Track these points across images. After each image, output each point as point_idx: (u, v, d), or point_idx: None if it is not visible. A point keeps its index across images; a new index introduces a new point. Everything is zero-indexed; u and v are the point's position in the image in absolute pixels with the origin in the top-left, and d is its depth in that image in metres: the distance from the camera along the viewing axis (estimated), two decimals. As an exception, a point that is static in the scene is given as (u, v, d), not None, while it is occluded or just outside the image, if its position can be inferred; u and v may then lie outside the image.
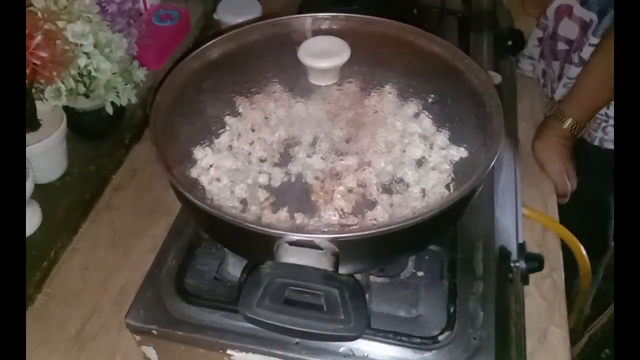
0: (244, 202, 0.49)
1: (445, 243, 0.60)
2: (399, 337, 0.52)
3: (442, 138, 0.53)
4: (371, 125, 0.54)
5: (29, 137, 0.74)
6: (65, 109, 0.78)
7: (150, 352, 0.57)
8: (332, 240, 0.45)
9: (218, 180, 0.50)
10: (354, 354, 0.52)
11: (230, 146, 0.53)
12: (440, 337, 0.52)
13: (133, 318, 0.55)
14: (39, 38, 0.66)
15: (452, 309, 0.54)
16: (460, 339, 0.52)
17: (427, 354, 0.51)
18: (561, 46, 0.91)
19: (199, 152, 0.53)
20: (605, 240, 1.00)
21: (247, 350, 0.53)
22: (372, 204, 0.48)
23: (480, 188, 0.52)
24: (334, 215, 0.47)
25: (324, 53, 0.55)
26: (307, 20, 0.64)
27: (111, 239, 0.78)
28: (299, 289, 0.43)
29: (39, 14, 0.68)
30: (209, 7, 1.08)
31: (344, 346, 0.52)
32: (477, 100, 0.56)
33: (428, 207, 0.47)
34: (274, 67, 0.60)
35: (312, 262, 0.44)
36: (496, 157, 0.50)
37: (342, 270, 0.46)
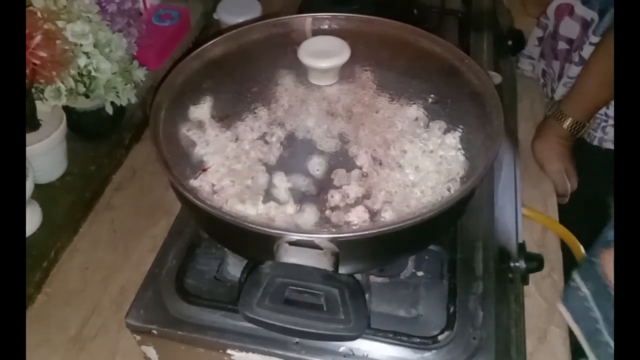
0: (243, 202, 0.49)
1: (445, 243, 0.60)
2: (398, 337, 0.52)
3: (442, 138, 0.53)
4: (371, 125, 0.54)
5: (29, 137, 0.74)
6: (65, 109, 0.78)
7: (150, 352, 0.57)
8: (332, 240, 0.45)
9: (218, 180, 0.50)
10: (354, 354, 0.52)
11: (230, 146, 0.53)
12: (440, 337, 0.52)
13: (133, 318, 0.55)
14: (38, 38, 0.66)
15: (452, 309, 0.54)
16: (460, 338, 0.52)
17: (427, 354, 0.51)
18: (562, 45, 0.91)
19: (198, 152, 0.53)
20: (605, 240, 1.00)
21: (247, 350, 0.53)
22: (372, 204, 0.48)
23: (480, 188, 0.52)
24: (334, 215, 0.47)
25: (324, 53, 0.55)
26: (307, 20, 0.64)
27: (111, 239, 0.78)
28: (299, 289, 0.43)
29: (39, 14, 0.68)
30: (209, 7, 1.08)
31: (344, 346, 0.52)
32: (477, 100, 0.56)
33: (428, 207, 0.47)
34: (273, 67, 0.60)
35: (312, 262, 0.44)
36: (496, 157, 0.50)
37: (342, 270, 0.46)
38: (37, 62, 0.67)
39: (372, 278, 0.58)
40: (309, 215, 0.48)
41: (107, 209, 0.82)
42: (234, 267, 0.60)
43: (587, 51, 0.84)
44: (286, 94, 0.57)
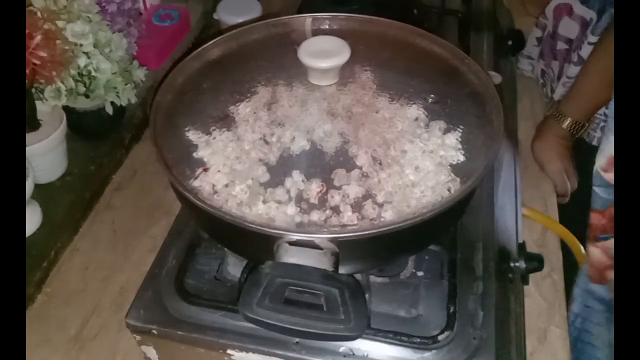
0: (243, 202, 0.49)
1: (445, 243, 0.60)
2: (398, 337, 0.52)
3: (442, 138, 0.53)
4: (371, 125, 0.54)
5: (29, 137, 0.74)
6: (65, 109, 0.78)
7: (150, 352, 0.57)
8: (332, 240, 0.45)
9: (218, 180, 0.50)
10: (354, 354, 0.52)
11: (230, 146, 0.53)
12: (440, 337, 0.52)
13: (133, 318, 0.55)
14: (38, 38, 0.66)
15: (452, 309, 0.54)
16: (460, 338, 0.52)
17: (427, 354, 0.51)
18: (561, 45, 0.92)
19: (198, 152, 0.53)
20: (605, 240, 1.00)
21: (247, 350, 0.53)
22: (372, 204, 0.48)
23: (480, 188, 0.52)
24: (334, 215, 0.47)
25: (324, 53, 0.55)
26: (307, 20, 0.64)
27: (111, 239, 0.78)
28: (299, 288, 0.43)
29: (39, 14, 0.68)
30: (209, 7, 1.08)
31: (344, 346, 0.52)
32: (477, 100, 0.56)
33: (428, 207, 0.47)
34: (273, 67, 0.60)
35: (312, 262, 0.44)
36: (496, 157, 0.50)
37: (342, 270, 0.46)
38: (37, 62, 0.67)
39: (372, 278, 0.58)
40: (309, 214, 0.48)
41: (107, 209, 0.82)
42: (234, 267, 0.60)
43: (586, 51, 0.84)
44: (286, 94, 0.57)
